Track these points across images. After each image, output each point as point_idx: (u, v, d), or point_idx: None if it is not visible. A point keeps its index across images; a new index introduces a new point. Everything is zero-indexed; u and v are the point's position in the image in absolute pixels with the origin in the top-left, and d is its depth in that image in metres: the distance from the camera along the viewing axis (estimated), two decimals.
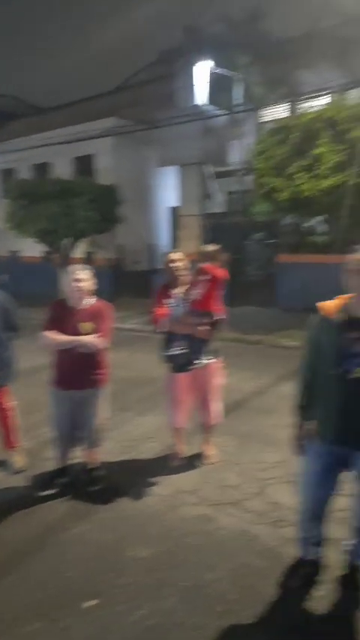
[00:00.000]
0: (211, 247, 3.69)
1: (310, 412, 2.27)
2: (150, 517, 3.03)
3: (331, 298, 2.23)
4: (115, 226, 13.78)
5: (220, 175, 13.53)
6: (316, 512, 2.31)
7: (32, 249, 15.39)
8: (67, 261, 13.32)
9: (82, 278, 3.25)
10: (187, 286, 3.56)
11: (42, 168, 16.44)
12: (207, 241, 12.47)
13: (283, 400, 4.71)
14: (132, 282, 13.91)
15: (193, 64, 12.36)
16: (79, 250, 14.27)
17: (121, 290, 14.04)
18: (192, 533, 2.84)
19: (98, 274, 12.71)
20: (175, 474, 3.58)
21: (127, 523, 2.98)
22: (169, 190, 15.17)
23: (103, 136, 14.22)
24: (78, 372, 3.25)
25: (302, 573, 2.39)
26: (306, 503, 2.33)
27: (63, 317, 3.25)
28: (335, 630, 2.17)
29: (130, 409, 5.01)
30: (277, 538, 2.75)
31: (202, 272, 3.53)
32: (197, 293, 3.49)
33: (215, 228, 12.79)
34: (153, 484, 3.44)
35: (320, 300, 2.26)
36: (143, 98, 15.29)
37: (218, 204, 13.94)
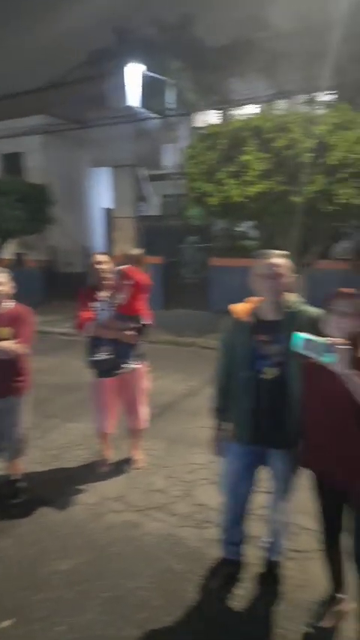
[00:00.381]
0: (135, 250, 3.68)
1: (227, 414, 2.31)
2: (74, 527, 2.94)
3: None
4: (47, 227, 13.37)
5: (154, 178, 13.56)
6: (237, 512, 2.35)
7: None
8: None
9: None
10: (113, 290, 3.51)
11: None
12: (141, 244, 12.48)
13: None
14: (65, 285, 13.53)
15: (124, 65, 12.30)
16: (8, 251, 13.69)
17: (54, 293, 13.64)
18: (116, 542, 2.79)
19: (29, 276, 12.27)
20: (101, 480, 3.51)
21: (49, 535, 2.87)
22: (103, 192, 14.98)
23: (31, 134, 13.77)
24: None
25: (224, 573, 2.43)
26: (227, 503, 2.37)
27: None
28: (253, 628, 2.21)
29: (58, 416, 4.86)
30: (201, 540, 2.77)
31: (125, 276, 3.50)
32: (122, 297, 3.46)
33: (150, 231, 12.81)
34: (78, 493, 3.35)
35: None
36: (74, 97, 14.98)
37: (153, 207, 13.97)
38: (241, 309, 2.25)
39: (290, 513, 2.36)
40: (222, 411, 2.35)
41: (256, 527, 2.62)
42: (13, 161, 14.87)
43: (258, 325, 2.17)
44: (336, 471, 1.94)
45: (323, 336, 1.83)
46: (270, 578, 2.39)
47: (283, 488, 2.25)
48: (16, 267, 14.64)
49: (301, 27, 10.88)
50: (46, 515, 3.09)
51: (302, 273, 7.41)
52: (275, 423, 2.12)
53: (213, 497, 3.08)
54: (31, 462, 3.72)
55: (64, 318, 10.70)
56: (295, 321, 2.07)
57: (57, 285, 13.75)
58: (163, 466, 3.71)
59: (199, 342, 8.65)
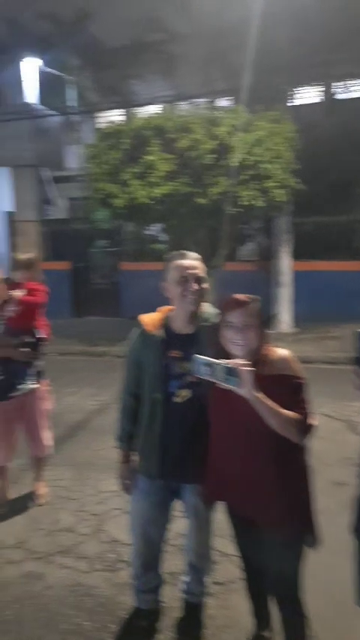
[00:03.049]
0: (25, 255, 3.24)
1: (134, 442, 2.01)
2: None
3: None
4: None
5: (59, 180, 12.90)
6: (148, 557, 2.05)
7: None
8: None
9: None
10: (1, 301, 3.05)
11: None
12: (47, 249, 11.79)
13: None
14: None
15: (19, 59, 11.55)
16: None
17: None
18: (13, 602, 2.36)
19: None
20: None
21: None
22: (2, 194, 13.96)
23: None
24: None
25: (139, 627, 2.12)
26: (137, 547, 2.06)
27: None
28: None
29: None
30: (114, 585, 2.45)
31: (16, 285, 3.07)
32: (13, 309, 3.02)
33: (56, 236, 12.17)
34: None
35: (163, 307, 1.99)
36: None
37: (59, 210, 13.28)
38: (150, 319, 1.94)
39: (209, 550, 2.11)
40: (128, 439, 2.03)
41: (173, 561, 2.36)
42: None
43: (170, 339, 1.88)
44: (244, 503, 1.72)
45: (227, 356, 1.60)
46: (192, 624, 2.13)
47: (200, 525, 2.00)
48: None
49: (199, 30, 10.93)
50: None
51: (211, 276, 7.36)
52: (187, 452, 1.86)
53: (126, 531, 2.76)
54: None
55: None
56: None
57: None
58: (70, 499, 3.31)
59: (112, 351, 8.26)
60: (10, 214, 13.73)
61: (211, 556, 2.14)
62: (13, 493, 3.34)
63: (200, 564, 2.09)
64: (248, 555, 1.89)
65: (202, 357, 1.58)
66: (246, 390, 1.49)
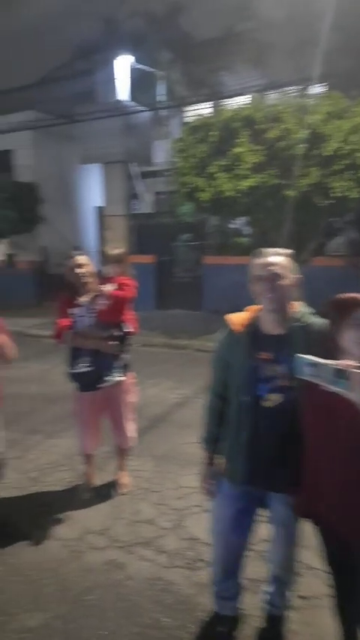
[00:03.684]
0: (116, 250, 3.29)
1: (220, 445, 1.96)
2: (49, 571, 2.59)
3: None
4: (37, 227, 12.99)
5: (147, 175, 13.19)
6: (229, 564, 2.00)
7: None
8: None
9: None
10: (93, 295, 3.15)
11: None
12: (133, 243, 12.12)
13: None
14: (55, 286, 13.13)
15: (113, 58, 11.91)
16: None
17: (44, 294, 13.27)
18: (95, 588, 2.44)
19: (19, 278, 11.89)
20: (84, 508, 3.16)
21: (19, 581, 2.52)
22: (94, 189, 14.58)
23: (19, 130, 13.37)
24: None
25: (218, 632, 2.08)
26: (218, 554, 2.01)
27: None
28: None
29: (40, 431, 4.50)
30: (193, 584, 2.43)
31: (107, 279, 3.15)
32: (103, 303, 3.10)
33: (142, 230, 12.44)
34: (57, 525, 3.00)
35: (245, 303, 1.93)
36: (64, 92, 14.58)
37: (145, 204, 13.59)
38: (238, 319, 1.87)
39: (294, 562, 2.00)
40: (214, 441, 1.99)
41: (255, 567, 2.28)
42: (2, 159, 14.45)
43: (259, 340, 1.79)
44: (342, 518, 1.59)
45: (334, 357, 1.49)
46: (272, 636, 2.05)
47: (286, 536, 1.90)
48: (6, 269, 14.28)
49: (290, 16, 10.51)
50: (18, 554, 2.74)
51: (298, 272, 7.10)
52: (276, 460, 1.77)
53: (205, 530, 2.73)
54: (7, 486, 3.37)
55: (54, 321, 10.35)
56: (302, 336, 1.72)
57: (47, 287, 13.37)
58: (151, 491, 3.36)
59: (194, 344, 8.30)
60: (100, 209, 14.32)
61: (295, 568, 2.04)
62: (98, 480, 3.46)
63: (284, 576, 1.99)
64: (340, 573, 1.76)
65: (306, 356, 1.49)
66: (356, 393, 1.37)
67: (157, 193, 14.26)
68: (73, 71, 16.13)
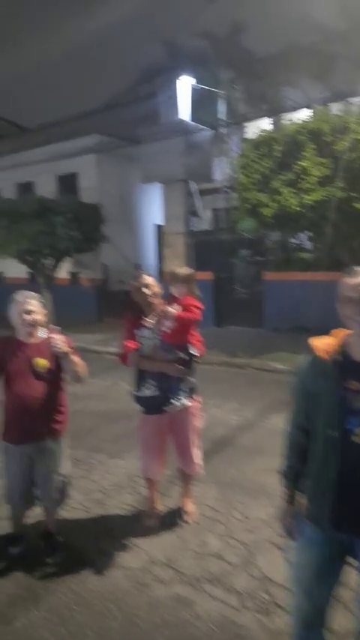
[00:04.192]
0: (183, 269, 3.20)
1: (301, 482, 1.78)
2: (114, 602, 2.49)
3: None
4: (100, 245, 13.38)
5: (205, 192, 13.24)
6: (312, 616, 1.79)
7: (17, 269, 14.91)
8: (51, 281, 12.87)
9: (33, 309, 2.76)
10: (159, 316, 3.08)
11: (26, 188, 16.06)
12: (192, 259, 12.13)
13: (272, 437, 4.21)
14: (116, 303, 13.45)
15: (175, 79, 12.15)
16: (63, 270, 13.82)
17: (105, 311, 13.57)
18: (162, 626, 2.31)
19: (82, 295, 12.22)
20: (148, 537, 3.05)
21: (84, 612, 2.44)
22: (154, 208, 14.85)
23: (84, 154, 13.93)
24: (32, 421, 2.73)
25: None
26: (299, 604, 1.81)
27: (12, 355, 2.75)
28: None
29: (103, 450, 4.48)
30: (268, 632, 2.23)
31: (173, 299, 3.07)
32: (169, 324, 3.02)
33: (200, 246, 12.44)
34: (122, 552, 2.91)
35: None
36: (127, 115, 15.08)
37: (204, 221, 13.62)
38: (323, 344, 1.70)
39: None
40: (295, 477, 1.81)
41: (342, 620, 2.06)
42: (69, 182, 15.11)
43: (348, 368, 1.62)
44: None
45: None
46: None
47: None
48: (70, 286, 14.79)
49: (350, 27, 10.25)
50: (83, 581, 2.67)
51: None
52: None
53: (279, 568, 2.54)
54: (72, 507, 3.35)
55: (115, 337, 10.47)
56: None
57: (109, 304, 13.69)
58: (217, 521, 3.19)
59: (254, 363, 8.07)
60: (159, 227, 14.54)
61: None
62: (161, 506, 3.35)
63: None
64: None
65: None
66: None
67: (215, 210, 14.25)
68: (135, 95, 16.68)
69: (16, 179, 16.29)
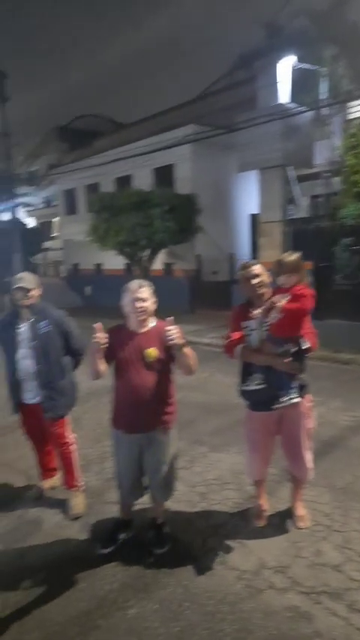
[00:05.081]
0: (292, 256, 2.94)
1: None
2: (225, 604, 2.39)
3: None
4: (194, 236, 13.39)
5: (302, 179, 12.63)
6: None
7: (115, 261, 15.52)
8: (147, 272, 13.17)
9: (144, 297, 2.73)
10: (267, 307, 2.87)
11: (124, 181, 16.58)
12: (289, 249, 11.65)
13: None
14: (210, 294, 13.41)
15: (275, 61, 11.65)
16: (158, 261, 14.08)
17: (199, 302, 13.60)
18: (278, 638, 2.16)
19: (175, 286, 12.34)
20: (256, 538, 2.91)
21: (195, 609, 2.38)
22: (249, 197, 14.53)
23: (180, 144, 13.98)
24: (142, 412, 2.72)
25: None
26: None
27: (122, 344, 2.75)
28: None
29: (204, 443, 4.42)
30: None
31: (283, 290, 2.86)
32: (276, 316, 2.81)
33: (298, 235, 11.88)
34: (230, 552, 2.81)
35: None
36: (224, 104, 14.86)
37: (301, 209, 13.01)
38: None
39: None
40: None
41: None
42: (165, 173, 15.31)
43: None
44: None
45: None
46: None
47: None
48: (164, 277, 15.04)
49: None
50: (192, 578, 2.61)
51: None
52: None
53: None
54: (175, 499, 3.31)
55: (209, 328, 10.46)
56: None
57: (202, 294, 13.68)
58: (334, 530, 2.94)
59: (359, 359, 7.54)
60: (254, 216, 14.17)
61: None
62: (269, 507, 3.18)
63: None
64: None
65: None
66: None
67: (314, 197, 13.54)
68: (232, 81, 16.37)
69: (115, 174, 16.86)
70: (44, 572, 2.70)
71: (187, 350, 2.67)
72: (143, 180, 15.40)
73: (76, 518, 3.25)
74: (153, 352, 2.68)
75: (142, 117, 19.78)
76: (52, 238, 21.28)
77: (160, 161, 15.09)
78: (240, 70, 15.80)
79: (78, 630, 2.28)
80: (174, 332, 2.58)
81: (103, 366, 2.66)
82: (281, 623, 2.24)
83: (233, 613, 2.33)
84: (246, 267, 2.97)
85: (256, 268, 2.95)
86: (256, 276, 2.92)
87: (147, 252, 13.02)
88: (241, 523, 3.08)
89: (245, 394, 2.97)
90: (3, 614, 2.41)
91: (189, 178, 14.43)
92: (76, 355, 3.42)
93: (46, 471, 3.68)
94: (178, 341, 2.59)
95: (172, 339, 2.58)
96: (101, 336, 2.59)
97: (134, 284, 2.76)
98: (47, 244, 19.09)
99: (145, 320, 2.75)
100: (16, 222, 15.78)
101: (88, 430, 4.77)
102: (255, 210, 13.71)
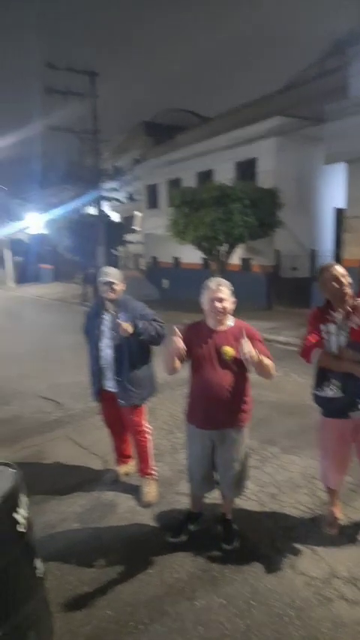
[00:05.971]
0: None
1: None
2: (293, 608, 2.37)
3: None
4: (274, 231, 13.11)
5: None
6: None
7: (193, 255, 15.67)
8: (224, 267, 13.15)
9: (223, 297, 2.74)
10: (349, 310, 2.76)
11: (206, 176, 16.63)
12: None
13: None
14: (289, 290, 13.08)
15: None
16: (236, 256, 13.98)
17: (277, 298, 13.32)
18: None
19: (253, 281, 12.19)
20: (328, 546, 2.84)
21: (262, 609, 2.38)
22: (335, 191, 13.90)
23: (265, 137, 13.71)
24: (216, 410, 2.75)
25: None
26: None
27: (200, 341, 2.79)
28: None
29: (276, 443, 4.36)
30: None
31: None
32: (358, 322, 2.69)
33: None
34: (299, 557, 2.77)
35: None
36: (312, 93, 14.31)
37: None
38: None
39: None
40: None
41: None
42: (246, 167, 15.12)
43: None
44: None
45: None
46: None
47: None
48: (241, 272, 14.92)
49: None
50: (259, 577, 2.61)
51: None
52: None
53: None
54: (246, 496, 3.33)
55: (287, 325, 10.23)
56: None
57: (280, 291, 13.38)
58: None
59: None
60: (340, 211, 13.54)
61: None
62: (342, 515, 3.08)
63: None
64: None
65: None
66: None
67: None
68: (321, 69, 15.70)
69: (197, 168, 16.95)
70: (117, 554, 2.85)
71: (264, 359, 2.66)
72: (225, 174, 15.32)
73: (148, 505, 3.37)
74: (230, 351, 2.70)
75: (227, 109, 19.64)
76: (134, 232, 21.97)
77: (243, 154, 14.92)
78: (331, 58, 15.10)
79: (147, 613, 2.38)
80: (247, 349, 2.58)
81: (178, 363, 2.73)
82: (352, 637, 2.18)
83: (301, 619, 2.30)
84: (328, 267, 2.87)
85: (339, 269, 2.84)
86: (339, 277, 2.81)
87: (225, 247, 12.98)
88: (313, 529, 3.02)
89: (319, 400, 2.90)
90: (79, 589, 2.58)
91: (272, 172, 14.13)
92: (155, 344, 3.41)
93: (122, 458, 3.85)
94: (254, 358, 2.59)
95: (246, 358, 2.58)
96: (179, 342, 2.65)
97: (213, 283, 2.78)
98: (129, 237, 19.70)
99: (223, 319, 2.77)
100: (101, 216, 16.45)
101: (161, 421, 4.90)
102: (341, 205, 13.10)
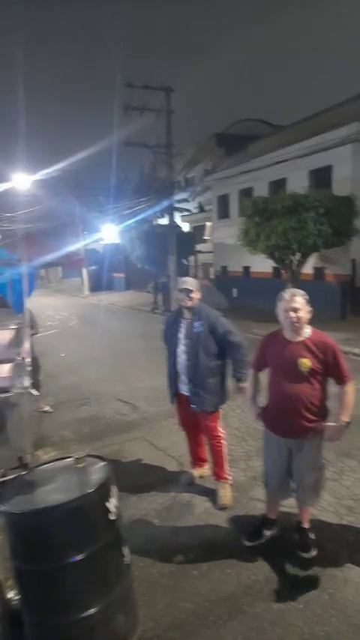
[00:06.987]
0: None
1: None
2: None
3: None
4: (350, 240, 12.71)
5: None
6: None
7: (263, 264, 15.58)
8: (296, 277, 12.95)
9: (298, 307, 2.77)
10: None
11: (278, 185, 16.51)
12: None
13: None
14: None
15: None
16: (309, 265, 13.71)
17: (352, 309, 12.87)
18: None
19: (327, 291, 11.92)
20: None
21: (341, 618, 2.37)
22: None
23: (341, 144, 13.38)
24: (293, 419, 2.78)
25: None
26: None
27: (276, 351, 2.85)
28: None
29: (354, 457, 4.26)
30: None
31: None
32: None
33: None
34: None
35: None
36: None
37: None
38: None
39: None
40: None
41: None
42: (321, 175, 14.83)
43: None
44: None
45: None
46: None
47: None
48: (314, 282, 14.58)
49: None
50: (337, 587, 2.60)
51: None
52: None
53: None
54: (322, 507, 3.31)
55: None
56: None
57: (356, 301, 12.92)
58: None
59: None
60: None
61: None
62: None
63: None
64: None
65: None
66: None
67: None
68: None
69: (269, 177, 16.87)
70: (195, 552, 2.96)
71: (345, 414, 2.83)
72: (298, 183, 15.12)
73: (224, 508, 3.45)
74: (307, 362, 2.72)
75: (301, 118, 19.39)
76: (204, 241, 22.24)
77: (318, 163, 14.64)
78: None
79: (226, 610, 2.46)
80: (331, 434, 2.79)
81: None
82: None
83: None
84: None
85: None
86: None
87: (297, 256, 12.78)
88: None
89: None
90: (160, 581, 2.71)
91: (349, 179, 13.73)
92: (236, 351, 3.49)
93: (197, 461, 3.97)
94: (338, 439, 2.81)
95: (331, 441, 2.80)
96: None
97: (287, 293, 2.80)
98: (199, 247, 19.98)
99: (299, 329, 2.78)
100: (172, 227, 16.87)
101: (234, 428, 4.96)
102: None
